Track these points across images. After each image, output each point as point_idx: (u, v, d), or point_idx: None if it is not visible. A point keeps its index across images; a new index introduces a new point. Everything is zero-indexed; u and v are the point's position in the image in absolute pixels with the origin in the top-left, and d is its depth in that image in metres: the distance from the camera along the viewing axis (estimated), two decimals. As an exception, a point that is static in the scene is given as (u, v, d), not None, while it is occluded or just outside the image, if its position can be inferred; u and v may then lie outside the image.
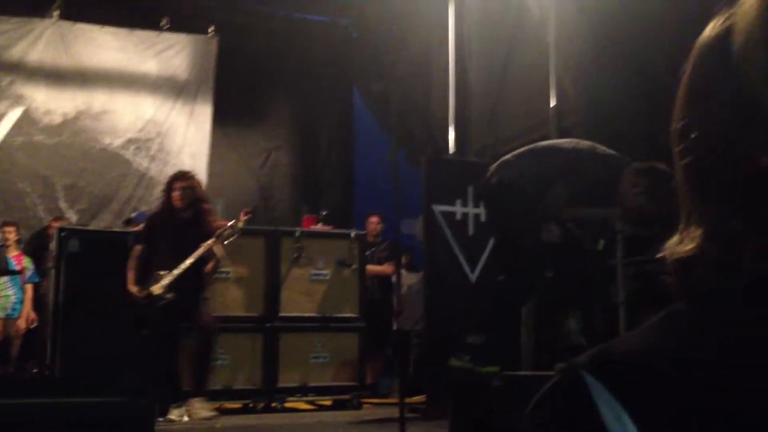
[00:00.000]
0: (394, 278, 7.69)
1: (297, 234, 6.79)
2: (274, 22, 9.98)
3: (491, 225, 5.23)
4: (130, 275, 5.77)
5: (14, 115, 8.70)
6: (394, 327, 7.95)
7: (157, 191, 7.63)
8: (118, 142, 9.05)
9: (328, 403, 6.86)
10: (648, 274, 4.47)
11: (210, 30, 9.46)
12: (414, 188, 6.53)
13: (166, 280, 5.66)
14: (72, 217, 8.59)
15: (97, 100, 9.06)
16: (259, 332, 6.50)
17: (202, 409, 5.64)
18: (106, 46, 9.11)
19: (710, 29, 0.58)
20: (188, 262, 5.67)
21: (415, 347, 8.05)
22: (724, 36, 0.57)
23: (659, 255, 0.62)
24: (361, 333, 6.85)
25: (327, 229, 7.18)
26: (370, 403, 7.07)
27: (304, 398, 6.75)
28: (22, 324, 7.51)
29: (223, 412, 6.40)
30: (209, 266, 5.85)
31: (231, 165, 9.84)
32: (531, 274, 4.59)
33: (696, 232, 0.58)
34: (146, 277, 5.76)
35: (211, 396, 6.32)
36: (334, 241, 6.94)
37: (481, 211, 5.90)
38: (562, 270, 4.68)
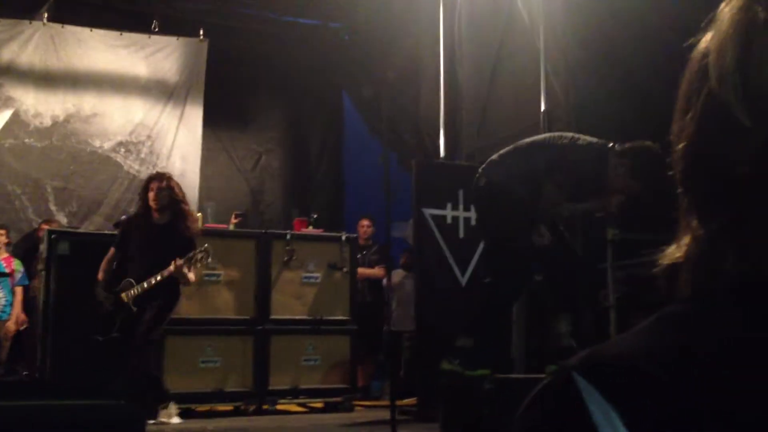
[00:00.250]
0: (384, 281, 7.71)
1: (288, 237, 6.79)
2: (265, 26, 9.97)
3: (482, 227, 5.25)
4: (99, 276, 5.70)
5: (3, 117, 8.67)
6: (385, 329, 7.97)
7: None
8: (108, 145, 9.02)
9: (320, 405, 6.87)
10: (638, 278, 4.51)
11: (200, 33, 9.45)
12: (404, 192, 6.56)
13: (132, 292, 5.56)
14: (62, 219, 8.55)
15: (87, 102, 9.03)
16: (250, 335, 6.50)
17: (166, 415, 5.57)
18: (95, 49, 9.07)
19: (701, 42, 0.61)
20: (156, 279, 5.49)
21: (406, 350, 8.07)
22: (705, 54, 0.59)
23: (656, 264, 0.64)
24: (352, 335, 6.85)
25: (318, 232, 7.20)
26: (362, 406, 7.08)
27: (296, 401, 6.76)
28: (12, 326, 7.50)
29: (215, 414, 6.41)
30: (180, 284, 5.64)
31: (221, 168, 9.82)
32: (518, 277, 4.62)
33: (686, 240, 0.61)
34: (117, 281, 5.69)
35: (202, 398, 6.33)
36: (325, 244, 6.95)
37: (472, 214, 5.92)
38: (553, 273, 4.71)
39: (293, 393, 6.63)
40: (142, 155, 9.18)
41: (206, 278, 6.43)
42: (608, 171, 4.21)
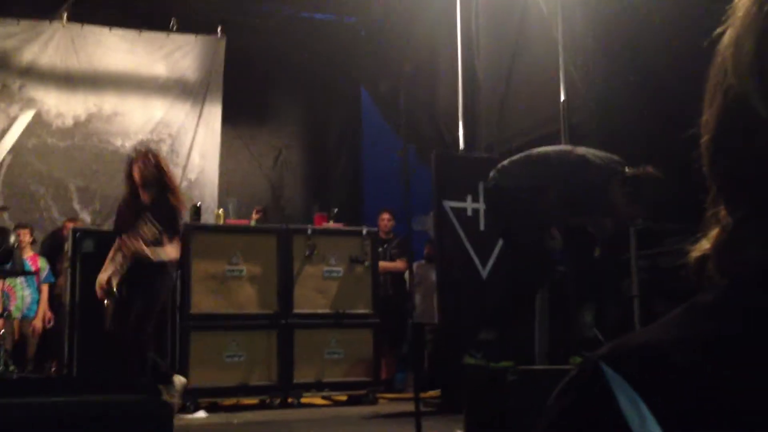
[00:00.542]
0: (407, 274, 7.72)
1: (309, 231, 6.83)
2: (282, 22, 10.00)
3: (493, 226, 5.30)
4: (105, 265, 5.45)
5: (26, 118, 8.77)
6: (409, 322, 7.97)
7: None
8: (129, 144, 9.09)
9: (344, 398, 6.91)
10: (662, 267, 4.50)
11: (218, 31, 9.50)
12: (423, 185, 6.56)
13: (115, 280, 5.31)
14: (86, 218, 8.65)
15: (108, 102, 9.11)
16: (273, 329, 6.55)
17: (168, 396, 5.24)
18: (115, 49, 9.15)
19: (725, 36, 0.62)
20: (121, 262, 5.25)
21: (429, 342, 8.07)
22: (726, 47, 0.60)
23: (682, 254, 0.64)
24: (375, 329, 6.88)
25: (338, 226, 7.22)
26: (386, 399, 7.12)
27: (320, 394, 6.80)
28: (38, 324, 7.62)
29: (240, 408, 6.48)
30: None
31: (241, 164, 9.88)
32: (540, 268, 4.64)
33: (714, 231, 0.62)
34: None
35: (228, 392, 6.37)
36: (346, 238, 6.98)
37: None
38: (575, 264, 4.72)
39: (317, 386, 6.67)
40: (163, 154, 9.21)
41: (229, 273, 6.48)
42: (611, 196, 4.33)
